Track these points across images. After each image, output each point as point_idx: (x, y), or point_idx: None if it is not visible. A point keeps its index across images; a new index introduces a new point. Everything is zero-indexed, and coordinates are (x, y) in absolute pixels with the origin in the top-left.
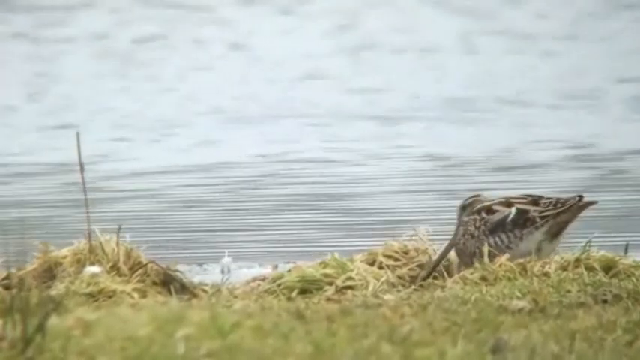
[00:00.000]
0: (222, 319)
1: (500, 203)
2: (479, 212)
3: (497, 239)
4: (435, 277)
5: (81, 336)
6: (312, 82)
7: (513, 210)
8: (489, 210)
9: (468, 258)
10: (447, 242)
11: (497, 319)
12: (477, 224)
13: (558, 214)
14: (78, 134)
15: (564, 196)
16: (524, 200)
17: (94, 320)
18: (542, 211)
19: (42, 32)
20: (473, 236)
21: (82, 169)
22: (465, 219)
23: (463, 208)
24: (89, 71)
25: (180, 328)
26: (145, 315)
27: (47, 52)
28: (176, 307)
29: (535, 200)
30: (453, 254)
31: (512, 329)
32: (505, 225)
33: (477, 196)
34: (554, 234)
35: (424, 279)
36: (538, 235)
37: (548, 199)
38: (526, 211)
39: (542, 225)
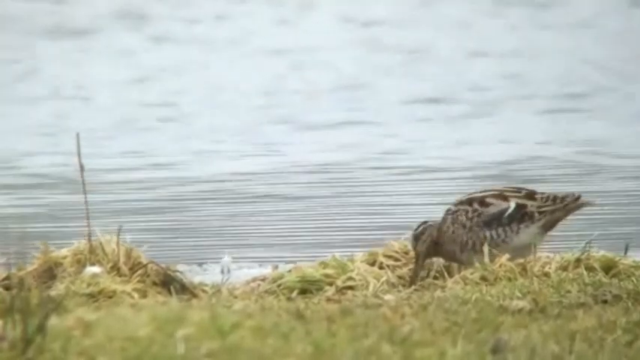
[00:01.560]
0: (223, 319)
1: (494, 196)
2: (470, 203)
3: (493, 233)
4: (435, 277)
5: (81, 336)
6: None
7: (512, 204)
8: (482, 202)
9: (457, 247)
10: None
11: (498, 320)
12: (470, 215)
13: (555, 210)
14: (78, 135)
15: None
16: (519, 194)
17: (94, 321)
18: (541, 206)
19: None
20: (464, 226)
21: (81, 170)
22: (454, 209)
23: (416, 238)
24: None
25: (181, 329)
26: (145, 315)
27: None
28: (176, 308)
29: (530, 194)
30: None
31: (512, 329)
32: (502, 219)
33: (426, 222)
34: (548, 228)
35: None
36: (533, 229)
37: (542, 193)
38: (524, 206)
39: (539, 219)
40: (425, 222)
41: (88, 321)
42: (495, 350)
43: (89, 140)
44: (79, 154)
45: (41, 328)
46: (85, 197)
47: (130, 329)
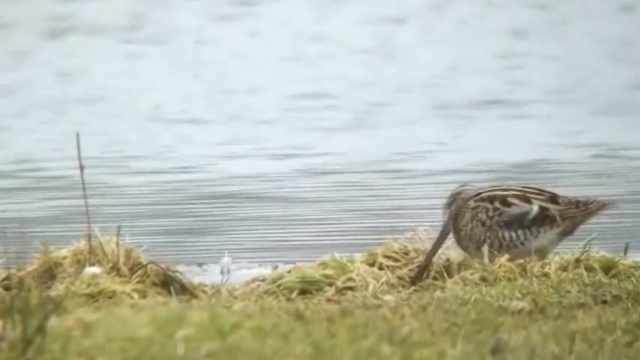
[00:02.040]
0: (222, 320)
1: (517, 196)
2: (491, 201)
3: (512, 234)
4: (434, 278)
5: (81, 337)
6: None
7: (535, 207)
8: (504, 201)
9: (474, 245)
10: (437, 235)
11: (497, 320)
12: (490, 213)
13: (577, 216)
14: (78, 135)
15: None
16: (542, 196)
17: (94, 321)
18: (563, 211)
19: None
20: (484, 225)
21: (81, 170)
22: (473, 204)
23: (447, 206)
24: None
25: (180, 329)
26: (145, 316)
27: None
28: (176, 308)
29: (553, 197)
30: (453, 254)
31: (512, 330)
32: (523, 221)
33: (459, 193)
34: (567, 234)
35: (420, 275)
36: (552, 233)
37: (564, 197)
38: (546, 209)
39: (559, 225)
40: (458, 193)
41: (87, 321)
42: (495, 351)
43: (98, 144)
44: (79, 155)
45: (41, 329)
46: (85, 198)
47: (129, 330)
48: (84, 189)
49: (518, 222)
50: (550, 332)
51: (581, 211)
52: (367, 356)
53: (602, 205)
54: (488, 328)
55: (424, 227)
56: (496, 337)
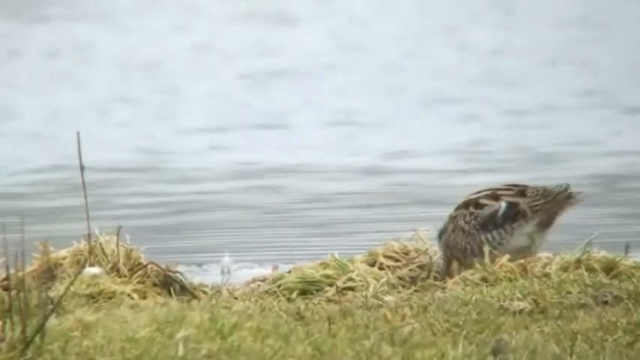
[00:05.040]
0: (222, 320)
1: (487, 196)
2: (467, 206)
3: (489, 236)
4: (435, 278)
5: (80, 337)
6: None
7: (503, 204)
8: (477, 204)
9: (459, 253)
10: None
11: (498, 321)
12: (467, 219)
13: (546, 204)
14: (78, 134)
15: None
16: (511, 192)
17: (94, 321)
18: (532, 202)
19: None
20: (463, 231)
21: (82, 170)
22: (454, 214)
23: (439, 235)
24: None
25: (180, 330)
26: (145, 316)
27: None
28: (176, 309)
29: (522, 191)
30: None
31: (513, 330)
32: (496, 220)
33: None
34: (546, 225)
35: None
36: (529, 227)
37: (534, 187)
38: (516, 204)
39: (532, 217)
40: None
41: (87, 322)
42: (496, 351)
43: (95, 140)
44: (79, 154)
45: (40, 329)
46: (85, 197)
47: (129, 330)
48: (84, 188)
49: (492, 222)
50: (551, 333)
51: (548, 199)
52: (368, 357)
53: (567, 190)
54: (489, 328)
55: (425, 227)
56: (497, 337)
